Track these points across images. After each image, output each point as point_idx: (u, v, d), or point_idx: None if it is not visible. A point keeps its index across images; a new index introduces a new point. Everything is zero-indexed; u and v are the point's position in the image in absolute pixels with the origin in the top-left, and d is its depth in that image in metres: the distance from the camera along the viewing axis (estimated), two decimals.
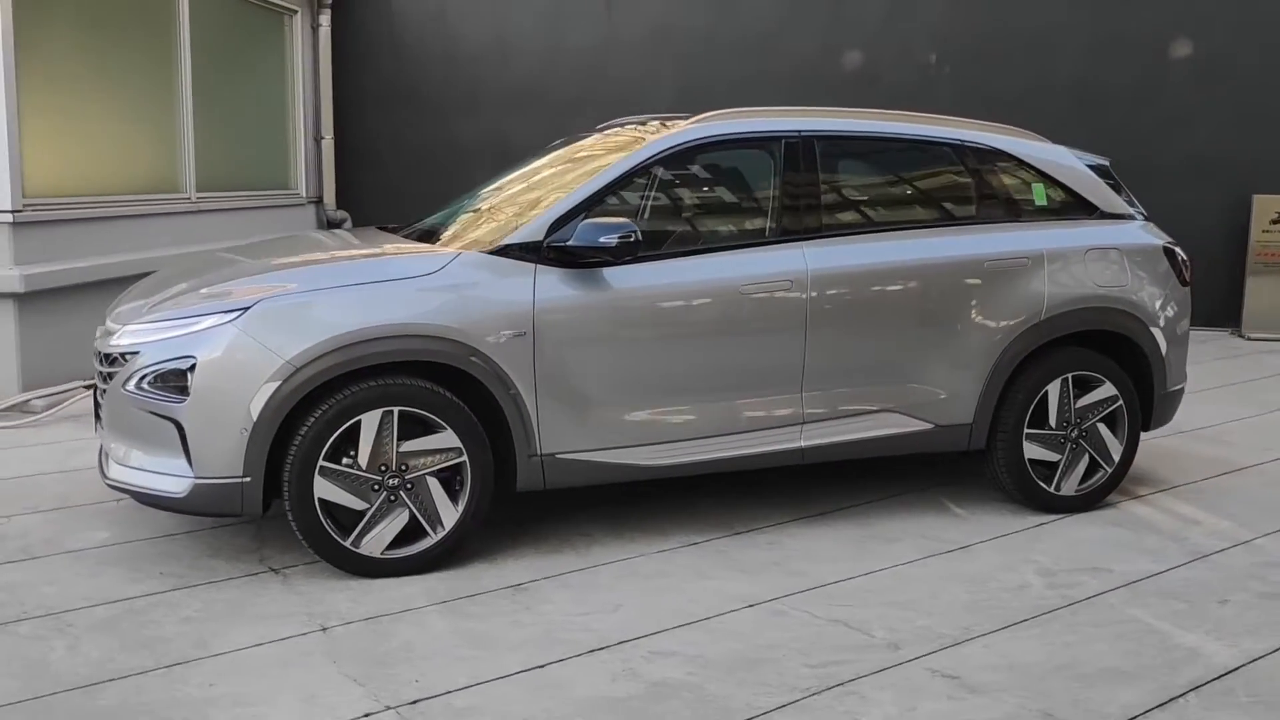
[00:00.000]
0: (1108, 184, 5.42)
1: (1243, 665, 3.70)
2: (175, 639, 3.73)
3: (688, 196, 5.11)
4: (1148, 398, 5.34)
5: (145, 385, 4.15)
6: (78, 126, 7.79)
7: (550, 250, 4.43)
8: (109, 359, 4.31)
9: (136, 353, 4.20)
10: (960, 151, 5.17)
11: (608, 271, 4.49)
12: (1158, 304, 5.31)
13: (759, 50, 11.27)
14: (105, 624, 3.84)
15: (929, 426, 4.98)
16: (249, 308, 4.15)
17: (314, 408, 4.13)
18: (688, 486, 5.36)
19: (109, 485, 4.35)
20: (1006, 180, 5.27)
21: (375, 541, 4.24)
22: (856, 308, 4.85)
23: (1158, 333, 5.30)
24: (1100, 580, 4.41)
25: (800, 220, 4.83)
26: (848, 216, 5.05)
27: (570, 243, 4.40)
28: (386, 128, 11.86)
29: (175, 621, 3.87)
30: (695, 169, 5.00)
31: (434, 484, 4.29)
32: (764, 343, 4.71)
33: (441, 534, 4.32)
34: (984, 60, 10.93)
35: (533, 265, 4.42)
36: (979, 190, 5.20)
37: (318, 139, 11.35)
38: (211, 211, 9.25)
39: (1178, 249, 5.46)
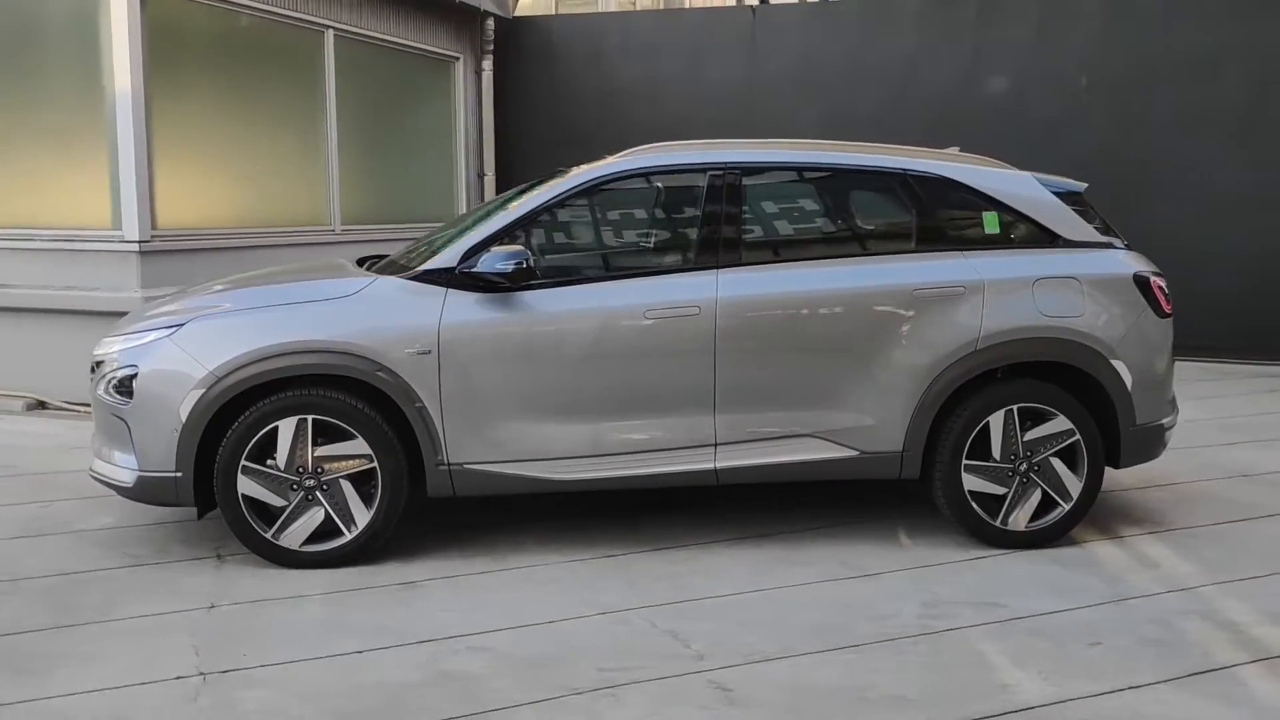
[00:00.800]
0: (1076, 211, 5.22)
1: (1048, 704, 3.56)
2: (87, 606, 4.34)
3: (613, 227, 5.35)
4: (1114, 433, 5.09)
5: (109, 389, 4.84)
6: (211, 165, 8.81)
7: (461, 276, 4.81)
8: (94, 366, 5.05)
9: (103, 361, 4.91)
10: (902, 181, 5.14)
11: (520, 296, 4.81)
12: (1121, 335, 5.06)
13: (900, 80, 11.19)
14: (45, 590, 4.52)
15: (854, 453, 4.98)
16: (183, 324, 4.78)
17: (239, 413, 4.69)
18: (642, 504, 5.58)
19: (90, 476, 5.08)
20: (953, 209, 5.18)
21: (294, 536, 4.74)
22: (771, 333, 4.93)
23: (1121, 365, 5.04)
24: (980, 615, 4.30)
25: (719, 249, 4.97)
26: (771, 246, 5.14)
27: (475, 269, 4.77)
28: (545, 164, 12.51)
29: (101, 593, 4.49)
30: (624, 200, 5.24)
31: (348, 487, 4.74)
32: (670, 366, 4.87)
33: (355, 532, 4.76)
34: (1139, 86, 10.40)
35: (444, 289, 4.80)
36: (920, 219, 5.14)
37: (480, 175, 12.20)
38: (355, 241, 10.18)
39: (1154, 278, 5.17)
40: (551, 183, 5.10)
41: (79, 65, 8.05)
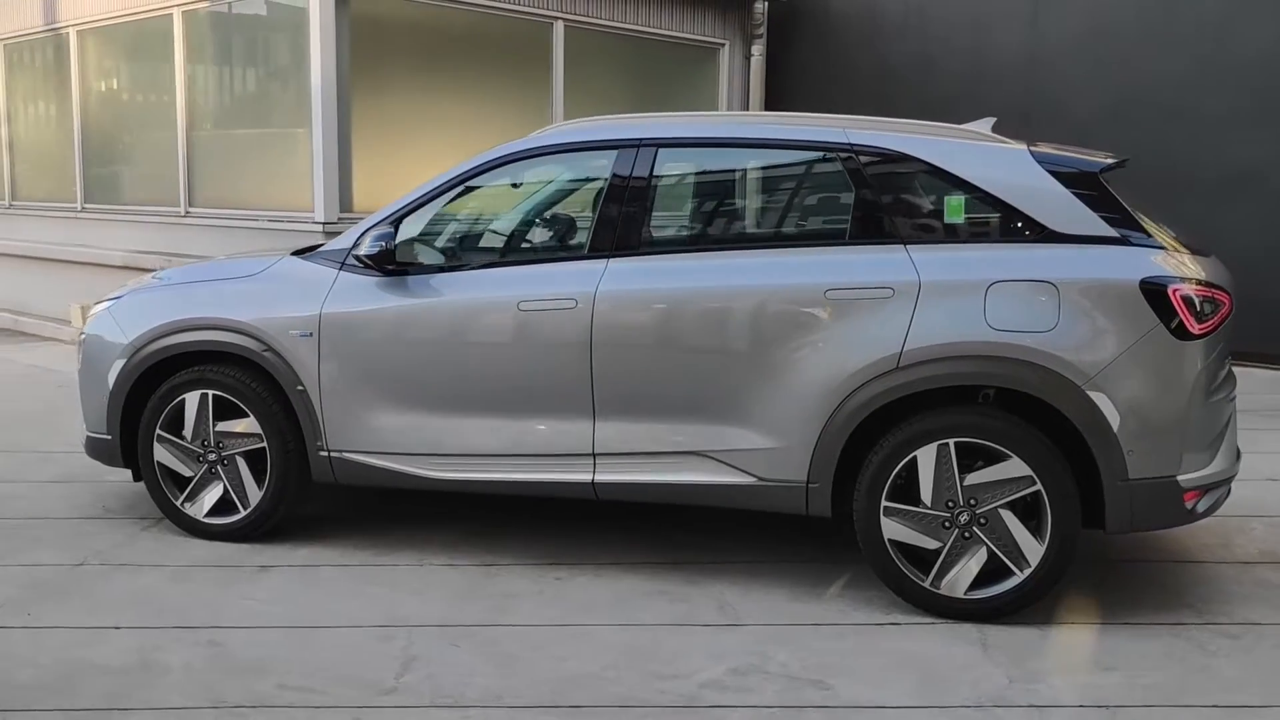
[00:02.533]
0: (1083, 196, 4.02)
1: None
2: (7, 552, 4.68)
3: (513, 210, 4.87)
4: (1097, 486, 3.89)
5: (76, 352, 5.20)
6: (410, 153, 9.08)
7: (352, 258, 4.63)
8: None
9: (81, 329, 5.28)
10: (846, 157, 4.23)
11: (404, 281, 4.54)
12: (1107, 359, 3.85)
13: (1206, 44, 9.31)
14: (11, 527, 4.98)
15: (751, 480, 4.20)
16: (121, 297, 5.01)
17: (156, 385, 4.85)
18: (591, 514, 5.10)
19: None
20: (907, 192, 4.19)
21: (198, 508, 4.82)
22: (654, 335, 4.27)
23: (1102, 399, 3.84)
24: (783, 693, 3.47)
25: (614, 236, 4.38)
26: (677, 233, 4.44)
27: (359, 251, 4.56)
28: None
29: (29, 540, 4.81)
30: (528, 181, 4.76)
31: (243, 464, 4.75)
32: (545, 365, 4.37)
33: (248, 510, 4.76)
34: None
35: (336, 271, 4.65)
36: (860, 204, 4.20)
37: None
38: None
39: (1179, 286, 3.86)
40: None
41: (292, 63, 8.77)
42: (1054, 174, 4.06)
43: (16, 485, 5.64)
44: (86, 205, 10.70)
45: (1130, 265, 3.92)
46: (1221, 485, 4.05)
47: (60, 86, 11.01)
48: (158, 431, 4.82)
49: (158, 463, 4.85)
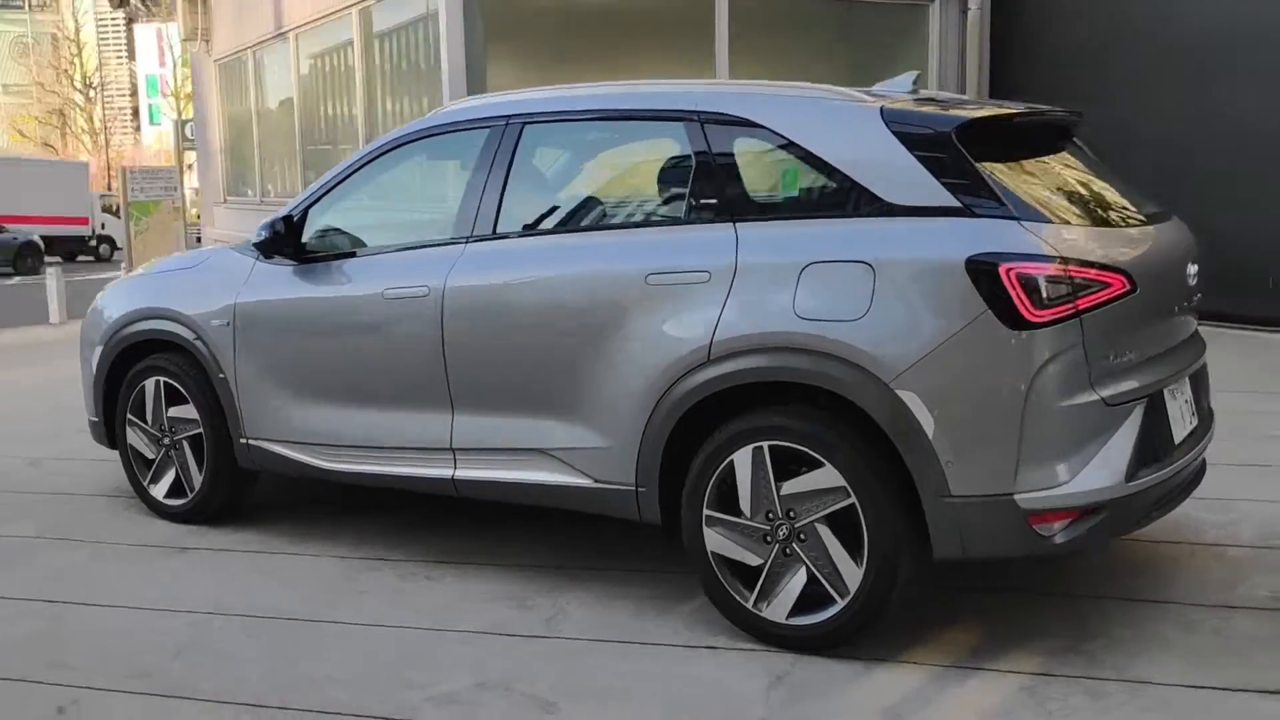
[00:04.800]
0: (930, 160, 3.38)
1: None
2: None
3: (408, 194, 4.70)
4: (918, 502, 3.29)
5: None
6: None
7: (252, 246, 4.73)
8: None
9: None
10: (690, 125, 3.80)
11: (306, 269, 4.57)
12: (921, 352, 3.23)
13: None
14: (25, 502, 5.47)
15: (588, 482, 3.88)
16: (110, 285, 5.38)
17: (126, 370, 5.17)
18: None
19: None
20: (745, 162, 3.70)
21: (159, 489, 5.08)
22: (494, 326, 4.04)
23: (912, 398, 3.23)
24: (501, 711, 3.19)
25: (476, 219, 4.17)
26: (529, 214, 4.15)
27: (252, 239, 4.64)
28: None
29: (19, 511, 5.27)
30: (425, 163, 4.61)
31: (188, 449, 4.98)
32: (409, 356, 4.25)
33: (193, 493, 4.98)
34: None
35: (253, 261, 4.75)
36: (697, 176, 3.75)
37: None
38: None
39: (1018, 265, 3.17)
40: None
41: (424, 53, 9.04)
42: (901, 136, 3.46)
43: (63, 462, 6.17)
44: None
45: (960, 240, 3.27)
46: (1104, 510, 3.29)
47: (286, 89, 11.98)
48: (128, 415, 5.14)
49: (130, 445, 5.17)
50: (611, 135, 4.27)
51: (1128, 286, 3.31)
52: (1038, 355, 3.18)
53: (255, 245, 4.66)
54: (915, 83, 3.97)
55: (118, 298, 5.27)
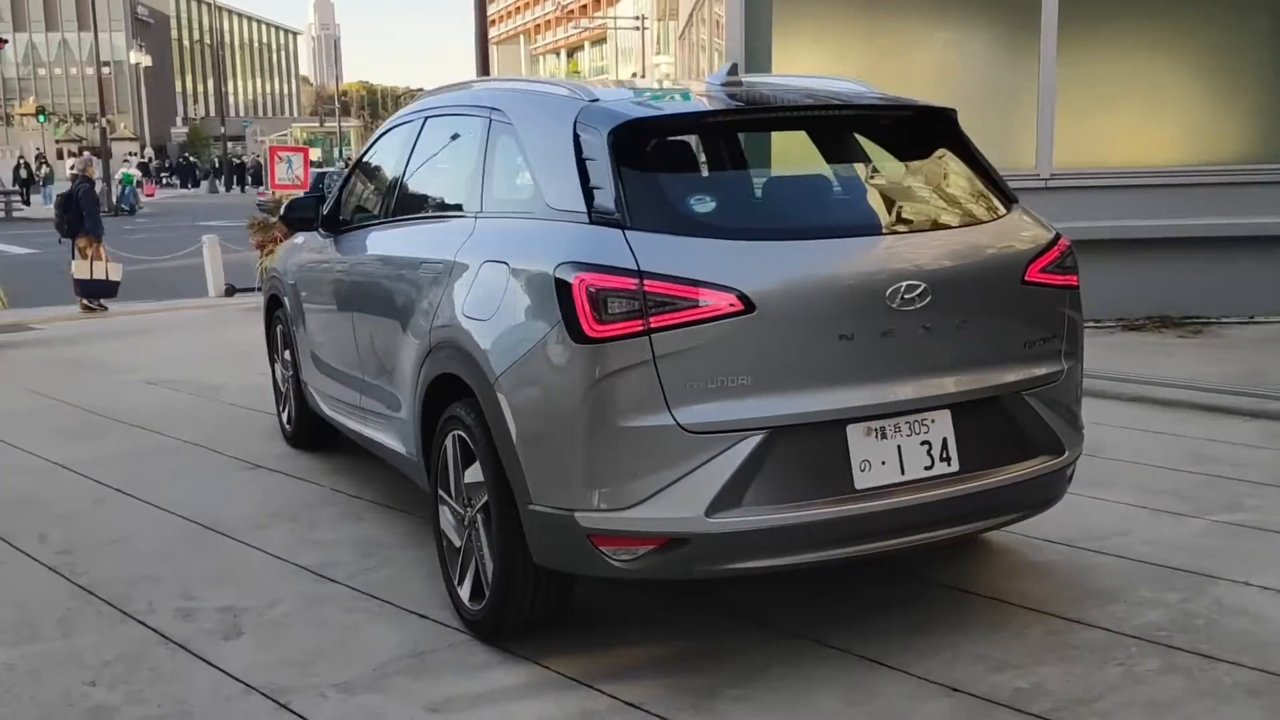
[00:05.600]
0: (585, 162, 3.26)
1: None
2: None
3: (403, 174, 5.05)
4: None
5: None
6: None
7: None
8: None
9: None
10: (481, 120, 3.99)
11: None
12: (519, 358, 3.24)
13: None
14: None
15: (404, 451, 4.24)
16: None
17: None
18: None
19: None
20: (499, 156, 3.83)
21: None
22: (356, 298, 4.72)
23: (505, 402, 3.24)
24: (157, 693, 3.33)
25: (393, 203, 4.68)
26: (416, 200, 4.55)
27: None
28: None
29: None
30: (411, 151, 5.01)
31: None
32: (339, 321, 4.94)
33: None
34: None
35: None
36: (475, 168, 3.95)
37: None
38: None
39: (590, 277, 3.02)
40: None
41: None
42: (576, 138, 3.38)
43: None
44: None
45: (557, 248, 3.20)
46: (682, 542, 3.03)
47: None
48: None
49: None
50: (451, 131, 4.45)
51: (739, 307, 3.01)
52: (595, 370, 3.03)
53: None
54: (730, 73, 3.79)
55: None
